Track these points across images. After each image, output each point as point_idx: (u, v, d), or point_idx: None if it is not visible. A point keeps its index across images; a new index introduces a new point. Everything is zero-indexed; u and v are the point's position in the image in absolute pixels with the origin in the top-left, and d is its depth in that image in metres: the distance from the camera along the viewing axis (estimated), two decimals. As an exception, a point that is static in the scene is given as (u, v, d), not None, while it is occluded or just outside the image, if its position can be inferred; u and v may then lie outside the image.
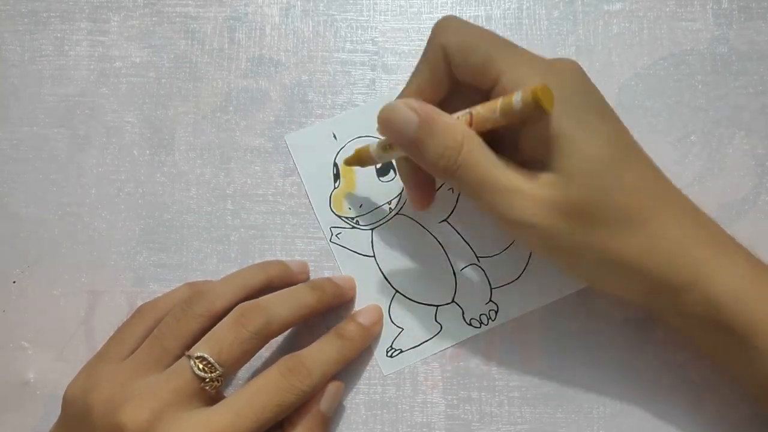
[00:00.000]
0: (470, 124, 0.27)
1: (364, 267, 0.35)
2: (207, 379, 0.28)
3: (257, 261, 0.35)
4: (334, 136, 0.36)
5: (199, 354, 0.28)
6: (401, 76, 0.36)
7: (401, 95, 0.31)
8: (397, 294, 0.34)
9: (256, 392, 0.29)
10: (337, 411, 0.33)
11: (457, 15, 0.37)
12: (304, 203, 0.36)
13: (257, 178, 0.36)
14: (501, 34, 0.36)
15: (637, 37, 0.37)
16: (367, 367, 0.34)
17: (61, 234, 0.35)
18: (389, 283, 0.35)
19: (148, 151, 0.37)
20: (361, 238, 0.35)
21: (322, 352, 0.31)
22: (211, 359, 0.28)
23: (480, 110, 0.27)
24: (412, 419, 0.33)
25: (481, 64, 0.28)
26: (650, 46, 0.36)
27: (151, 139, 0.37)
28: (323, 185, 0.36)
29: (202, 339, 0.29)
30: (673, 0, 0.37)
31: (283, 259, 0.35)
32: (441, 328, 0.34)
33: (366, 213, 0.35)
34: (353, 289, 0.34)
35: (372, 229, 0.35)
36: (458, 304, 0.34)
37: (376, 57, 0.37)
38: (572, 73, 0.28)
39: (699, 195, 0.34)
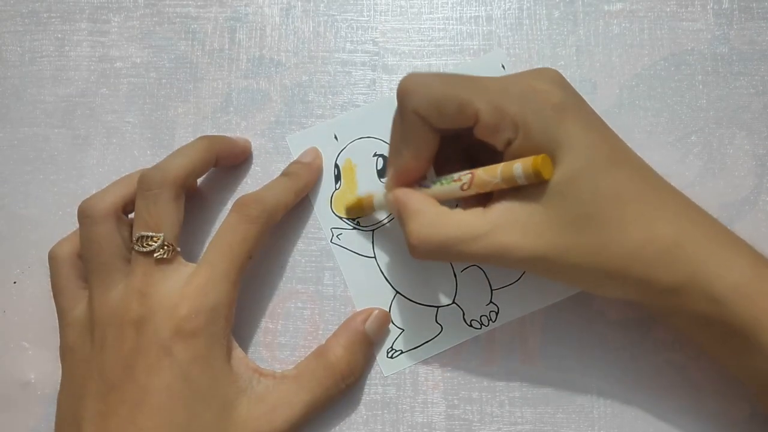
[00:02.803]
0: (470, 185, 0.29)
1: (364, 268, 0.35)
2: (156, 249, 0.30)
3: (258, 261, 0.35)
4: (335, 137, 0.36)
5: (136, 236, 0.30)
6: (402, 77, 0.36)
7: (397, 164, 0.31)
8: (398, 295, 0.34)
9: (219, 238, 0.31)
10: (364, 377, 0.34)
11: (457, 16, 0.37)
12: (304, 203, 0.36)
13: (257, 178, 0.36)
14: (501, 35, 0.37)
15: (638, 37, 0.37)
16: (368, 368, 0.34)
17: (62, 234, 0.35)
18: (390, 284, 0.35)
19: (148, 152, 0.37)
20: (361, 239, 0.35)
21: (269, 187, 0.33)
22: (146, 233, 0.30)
23: (481, 174, 0.28)
24: (412, 419, 0.33)
25: (457, 111, 0.28)
26: (651, 46, 0.36)
27: (151, 140, 0.37)
28: (324, 186, 0.36)
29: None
30: (673, 0, 0.37)
31: (284, 260, 0.35)
32: (441, 329, 0.34)
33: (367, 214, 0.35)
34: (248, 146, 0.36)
35: (373, 230, 0.35)
36: (459, 306, 0.34)
37: (376, 57, 0.37)
38: (549, 84, 0.28)
39: (699, 195, 0.35)
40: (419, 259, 0.30)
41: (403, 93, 0.29)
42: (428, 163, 0.31)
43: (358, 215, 0.35)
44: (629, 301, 0.29)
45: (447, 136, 0.30)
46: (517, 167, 0.27)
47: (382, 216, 0.35)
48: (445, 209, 0.29)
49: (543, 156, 0.26)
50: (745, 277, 0.26)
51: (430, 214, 0.29)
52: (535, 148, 0.27)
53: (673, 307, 0.28)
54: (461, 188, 0.29)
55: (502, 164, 0.28)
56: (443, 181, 0.30)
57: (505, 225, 0.28)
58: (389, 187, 0.32)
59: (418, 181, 0.31)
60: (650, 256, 0.27)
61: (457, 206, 0.30)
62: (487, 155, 0.29)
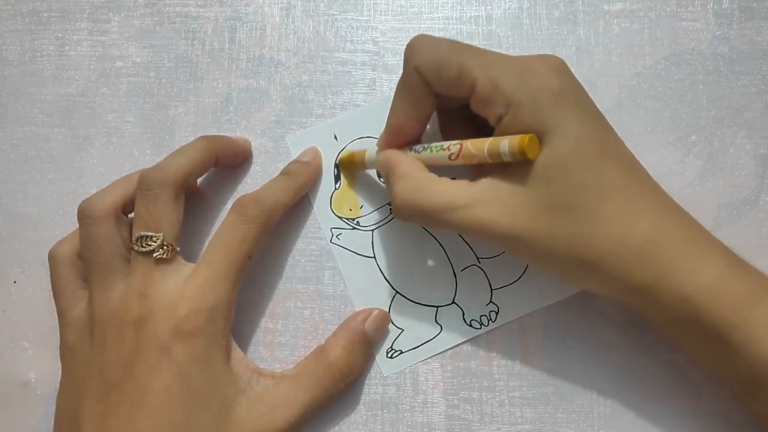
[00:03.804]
0: (458, 155, 0.29)
1: (364, 268, 0.35)
2: (155, 249, 0.30)
3: (258, 261, 0.35)
4: (335, 137, 0.36)
5: (136, 236, 0.30)
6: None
7: (391, 120, 0.31)
8: (398, 295, 0.34)
9: (219, 238, 0.31)
10: (362, 373, 0.34)
11: (458, 15, 0.37)
12: (304, 204, 0.36)
13: (257, 178, 0.36)
14: (501, 34, 0.37)
15: (638, 36, 0.37)
16: (368, 368, 0.34)
17: (61, 234, 0.35)
18: (389, 284, 0.35)
19: (148, 151, 0.37)
20: (361, 239, 0.35)
21: (268, 186, 0.33)
22: (146, 233, 0.30)
23: (469, 146, 0.29)
24: (412, 419, 0.33)
25: (456, 76, 0.29)
26: (651, 45, 0.36)
27: (151, 139, 0.37)
28: (324, 186, 0.36)
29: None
30: (673, 0, 0.37)
31: (284, 260, 0.35)
32: (441, 329, 0.34)
33: (367, 214, 0.35)
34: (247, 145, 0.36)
35: (372, 230, 0.35)
36: (459, 305, 0.34)
37: (376, 57, 0.37)
38: (549, 69, 0.28)
39: (700, 195, 0.35)
40: (401, 220, 0.31)
41: (410, 49, 0.30)
42: (421, 125, 0.31)
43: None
44: (607, 297, 0.29)
45: (453, 107, 0.31)
46: (504, 143, 0.27)
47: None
48: (432, 176, 0.30)
49: (531, 136, 0.27)
50: (717, 277, 0.27)
51: (417, 179, 0.30)
52: (523, 128, 0.27)
53: (651, 305, 0.28)
54: (449, 158, 0.29)
55: (490, 139, 0.28)
56: (433, 148, 0.30)
57: (486, 200, 0.28)
58: (381, 143, 0.32)
59: (410, 144, 0.32)
60: (624, 252, 0.27)
61: (453, 178, 0.30)
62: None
